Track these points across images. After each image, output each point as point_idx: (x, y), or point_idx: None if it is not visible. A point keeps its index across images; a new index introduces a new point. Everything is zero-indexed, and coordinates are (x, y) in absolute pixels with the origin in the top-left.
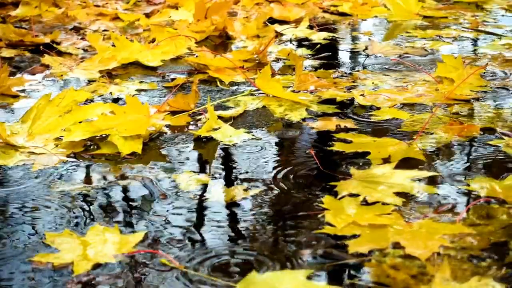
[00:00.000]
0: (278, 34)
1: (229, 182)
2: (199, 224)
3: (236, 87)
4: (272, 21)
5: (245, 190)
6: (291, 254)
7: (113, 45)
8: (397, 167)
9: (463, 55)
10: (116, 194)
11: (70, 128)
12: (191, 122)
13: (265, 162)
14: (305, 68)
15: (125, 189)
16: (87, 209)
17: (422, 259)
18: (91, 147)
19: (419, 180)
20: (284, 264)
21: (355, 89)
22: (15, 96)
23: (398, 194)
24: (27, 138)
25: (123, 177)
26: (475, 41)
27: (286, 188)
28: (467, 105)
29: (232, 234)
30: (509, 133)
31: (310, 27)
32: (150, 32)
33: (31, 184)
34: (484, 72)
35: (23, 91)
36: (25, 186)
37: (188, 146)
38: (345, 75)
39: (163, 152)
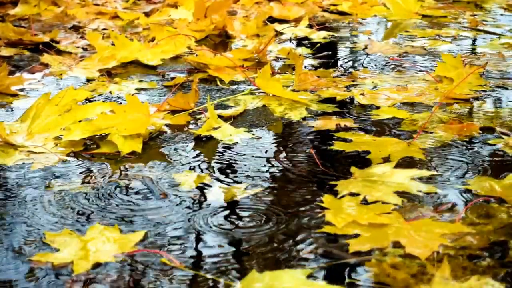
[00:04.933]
0: (278, 33)
1: (229, 180)
2: (199, 223)
3: (236, 86)
4: (272, 20)
5: (245, 188)
6: (291, 253)
7: (113, 44)
8: (397, 166)
9: (462, 54)
10: (116, 193)
11: (70, 127)
12: (191, 121)
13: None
14: (305, 67)
15: (125, 188)
16: (87, 208)
17: (422, 258)
18: (91, 146)
19: (419, 179)
20: (284, 263)
21: (355, 88)
22: (14, 95)
23: (398, 193)
24: (27, 137)
25: (123, 176)
26: (474, 40)
27: (286, 186)
28: (467, 104)
29: (232, 233)
30: (508, 133)
31: (310, 26)
32: (150, 31)
33: (30, 183)
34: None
35: (22, 90)
36: (24, 185)
37: (188, 145)
38: (345, 74)
39: (163, 151)
